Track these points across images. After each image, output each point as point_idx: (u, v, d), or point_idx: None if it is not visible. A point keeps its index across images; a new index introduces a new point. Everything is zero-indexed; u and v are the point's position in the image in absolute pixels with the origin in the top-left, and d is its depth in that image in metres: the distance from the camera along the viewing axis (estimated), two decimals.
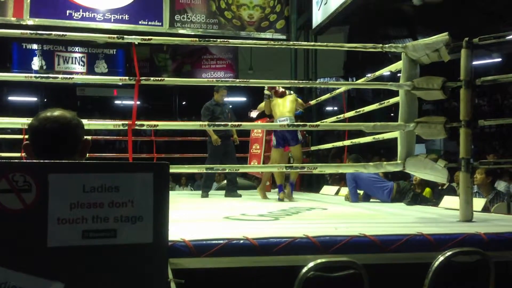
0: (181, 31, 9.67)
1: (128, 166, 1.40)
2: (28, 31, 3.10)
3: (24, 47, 12.21)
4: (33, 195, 1.27)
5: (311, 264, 1.91)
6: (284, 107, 5.58)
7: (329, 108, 18.66)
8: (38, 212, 1.27)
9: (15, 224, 1.26)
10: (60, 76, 3.30)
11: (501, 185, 6.62)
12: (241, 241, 2.24)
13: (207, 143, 6.50)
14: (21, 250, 1.27)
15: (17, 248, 1.26)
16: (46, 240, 1.27)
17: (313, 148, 7.66)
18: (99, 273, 1.32)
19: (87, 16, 9.20)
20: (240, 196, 6.21)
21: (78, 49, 12.26)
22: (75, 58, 12.30)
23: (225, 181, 9.32)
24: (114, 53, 12.56)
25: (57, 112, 1.66)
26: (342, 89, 6.18)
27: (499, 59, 16.07)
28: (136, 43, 3.21)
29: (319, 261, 1.92)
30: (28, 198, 1.27)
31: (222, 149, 6.34)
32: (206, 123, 3.25)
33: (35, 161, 1.46)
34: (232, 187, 6.47)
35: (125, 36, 3.21)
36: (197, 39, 3.47)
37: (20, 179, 1.27)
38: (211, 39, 3.61)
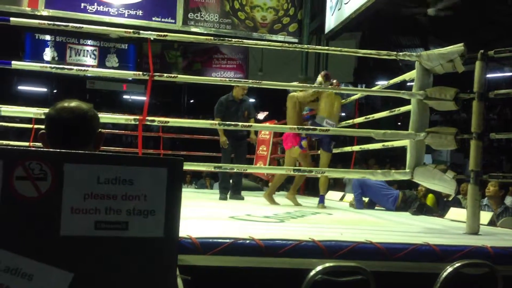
0: (193, 30, 9.71)
1: (143, 160, 1.40)
2: (46, 22, 3.12)
3: (37, 37, 12.28)
4: (48, 184, 1.27)
5: (319, 268, 1.91)
6: (334, 109, 5.16)
7: None
8: (52, 201, 1.27)
9: (29, 211, 1.26)
10: (75, 67, 3.31)
11: (508, 200, 6.59)
12: (247, 241, 2.24)
13: (220, 142, 6.05)
14: (33, 237, 1.27)
15: (30, 235, 1.27)
16: (59, 229, 1.27)
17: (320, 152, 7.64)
18: (109, 264, 1.33)
19: (101, 10, 9.25)
20: (243, 199, 5.90)
21: (90, 42, 12.33)
22: (87, 51, 12.36)
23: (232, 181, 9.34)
24: (126, 47, 12.61)
25: (74, 103, 1.68)
26: (357, 95, 6.18)
27: (511, 73, 16.00)
28: (152, 38, 3.22)
29: (327, 264, 1.92)
30: (43, 186, 1.27)
31: (231, 151, 5.99)
32: (217, 122, 3.24)
33: (51, 150, 1.47)
34: (237, 189, 6.12)
35: (141, 31, 3.23)
36: (211, 37, 3.47)
37: (36, 167, 1.27)
38: (226, 39, 3.62)
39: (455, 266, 1.95)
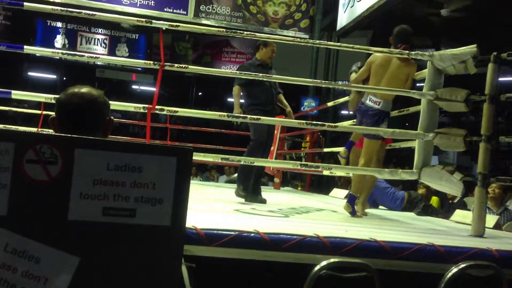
0: (205, 22, 9.70)
1: (153, 148, 1.41)
2: (59, 8, 3.13)
3: (48, 24, 12.33)
4: (58, 168, 1.28)
5: (324, 263, 1.91)
6: (388, 82, 3.89)
7: (344, 112, 18.58)
8: (62, 185, 1.28)
9: (39, 195, 1.27)
10: (86, 54, 3.33)
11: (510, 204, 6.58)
12: (252, 234, 2.25)
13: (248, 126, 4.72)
14: (42, 221, 1.28)
15: (38, 218, 1.28)
16: (67, 214, 1.28)
17: (326, 150, 7.64)
18: (115, 250, 1.33)
19: None
20: (265, 202, 4.43)
21: (101, 30, 12.37)
22: (98, 39, 12.40)
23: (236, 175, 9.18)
24: (136, 37, 12.64)
25: (84, 89, 1.68)
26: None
27: None
28: (164, 28, 3.22)
29: (332, 260, 1.92)
30: (54, 170, 1.28)
31: (266, 129, 4.50)
32: (225, 113, 3.23)
33: (63, 134, 1.48)
34: (257, 188, 4.61)
35: (154, 21, 3.23)
36: (223, 29, 3.47)
37: (47, 151, 1.28)
38: (238, 31, 3.62)
39: (460, 267, 1.95)
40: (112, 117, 1.77)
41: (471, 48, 3.32)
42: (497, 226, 4.04)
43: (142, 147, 1.37)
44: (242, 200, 4.38)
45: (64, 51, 3.16)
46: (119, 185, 1.32)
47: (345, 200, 4.03)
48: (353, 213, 3.85)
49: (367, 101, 3.93)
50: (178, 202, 1.38)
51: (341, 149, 4.51)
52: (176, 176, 1.38)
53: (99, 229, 1.31)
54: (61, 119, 1.65)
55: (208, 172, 11.73)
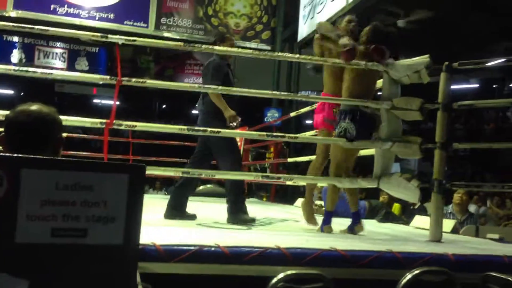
0: (166, 34, 9.67)
1: (104, 166, 1.38)
2: (11, 23, 3.06)
3: (4, 38, 12.00)
4: (4, 189, 1.24)
5: (281, 275, 1.92)
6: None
7: (308, 122, 18.80)
8: (8, 206, 1.24)
9: None
10: (39, 70, 3.24)
11: (471, 208, 6.78)
12: (213, 248, 2.23)
13: (209, 139, 3.91)
14: None
15: None
16: (14, 236, 1.24)
17: (290, 160, 7.70)
18: (66, 272, 1.30)
19: (71, 12, 9.12)
20: (253, 221, 3.80)
21: (59, 44, 12.11)
22: (56, 53, 12.13)
23: (202, 187, 9.04)
24: (96, 51, 12.44)
25: (34, 106, 1.65)
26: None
27: (477, 85, 16.49)
28: (120, 43, 3.19)
29: (288, 272, 1.93)
30: None
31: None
32: (185, 127, 3.20)
33: (8, 154, 1.43)
34: (241, 205, 3.84)
35: (109, 35, 3.19)
36: (181, 43, 3.45)
37: None
38: (196, 45, 3.61)
39: (414, 273, 1.99)
40: (64, 135, 1.73)
41: (424, 58, 3.41)
42: (455, 230, 4.15)
43: (92, 165, 1.35)
44: (204, 210, 4.20)
45: (17, 68, 3.08)
46: (69, 205, 1.30)
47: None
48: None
49: None
50: (131, 220, 1.36)
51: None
52: (129, 194, 1.36)
53: (48, 251, 1.28)
54: (8, 137, 1.61)
55: (173, 186, 11.59)
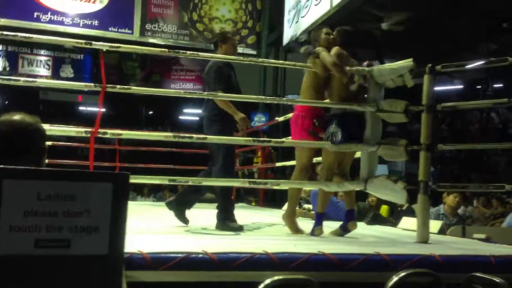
0: (151, 40, 9.63)
1: (86, 175, 1.37)
2: None
3: None
4: None
5: (267, 281, 1.91)
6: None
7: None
8: None
9: None
10: (22, 79, 3.22)
11: (459, 209, 6.85)
12: (200, 255, 2.21)
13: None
14: None
15: None
16: None
17: (278, 164, 7.70)
18: (50, 284, 1.29)
19: (55, 19, 9.06)
20: (242, 229, 3.73)
21: (44, 52, 12.00)
22: (40, 61, 12.03)
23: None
24: (81, 58, 12.35)
25: (17, 116, 1.63)
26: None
27: (461, 86, 16.68)
28: (104, 50, 3.17)
29: (275, 278, 1.92)
30: None
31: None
32: (171, 134, 3.18)
33: None
34: (229, 213, 3.85)
35: (93, 42, 3.17)
36: (166, 50, 3.44)
37: None
38: (181, 51, 3.60)
39: (400, 276, 2.00)
40: (47, 144, 1.71)
41: (408, 62, 3.44)
42: (442, 231, 4.18)
43: (75, 175, 1.34)
44: (193, 217, 4.20)
45: None
46: (52, 215, 1.28)
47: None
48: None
49: None
50: (116, 229, 1.35)
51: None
52: (113, 202, 1.35)
53: (32, 263, 1.27)
54: None
55: (162, 192, 11.54)
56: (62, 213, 1.28)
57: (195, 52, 3.70)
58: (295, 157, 3.80)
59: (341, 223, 3.68)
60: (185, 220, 3.98)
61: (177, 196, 4.05)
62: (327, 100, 3.80)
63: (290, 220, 3.71)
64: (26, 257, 1.26)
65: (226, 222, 3.73)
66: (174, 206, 4.01)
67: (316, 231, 3.51)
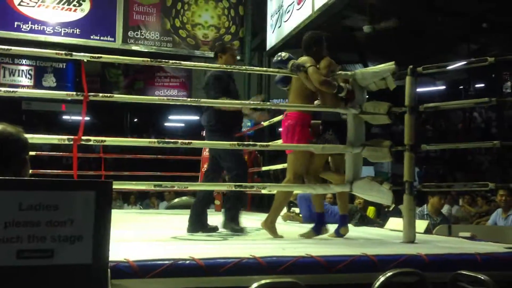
0: (134, 48, 9.59)
1: (69, 184, 1.36)
2: None
3: None
4: None
5: (254, 285, 1.91)
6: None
7: (281, 130, 18.85)
8: None
9: None
10: (3, 89, 3.17)
11: (444, 209, 6.91)
12: (187, 262, 2.21)
13: (219, 155, 4.03)
14: None
15: None
16: None
17: (264, 168, 7.70)
18: None
19: (36, 28, 8.97)
20: (242, 231, 3.96)
21: (25, 61, 11.87)
22: (22, 70, 11.88)
23: (178, 199, 8.95)
24: (64, 67, 12.23)
25: None
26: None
27: (443, 87, 16.89)
28: (85, 60, 3.14)
29: (263, 282, 1.92)
30: None
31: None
32: (155, 140, 3.16)
33: None
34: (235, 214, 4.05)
35: (74, 53, 3.14)
36: (148, 59, 3.43)
37: None
38: (163, 60, 3.57)
39: (386, 276, 2.02)
40: (29, 154, 1.69)
41: (390, 65, 3.48)
42: (428, 231, 4.21)
43: (56, 184, 1.33)
44: (180, 223, 4.19)
45: None
46: (34, 226, 1.27)
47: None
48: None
49: None
50: (100, 238, 1.34)
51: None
52: (96, 211, 1.34)
53: (14, 274, 1.25)
54: None
55: (149, 199, 11.46)
56: (45, 222, 1.27)
57: (178, 62, 3.68)
58: (288, 165, 3.80)
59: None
60: (213, 229, 3.98)
61: (190, 220, 3.98)
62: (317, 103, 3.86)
63: (272, 226, 3.69)
64: (9, 268, 1.24)
65: (231, 223, 3.96)
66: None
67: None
